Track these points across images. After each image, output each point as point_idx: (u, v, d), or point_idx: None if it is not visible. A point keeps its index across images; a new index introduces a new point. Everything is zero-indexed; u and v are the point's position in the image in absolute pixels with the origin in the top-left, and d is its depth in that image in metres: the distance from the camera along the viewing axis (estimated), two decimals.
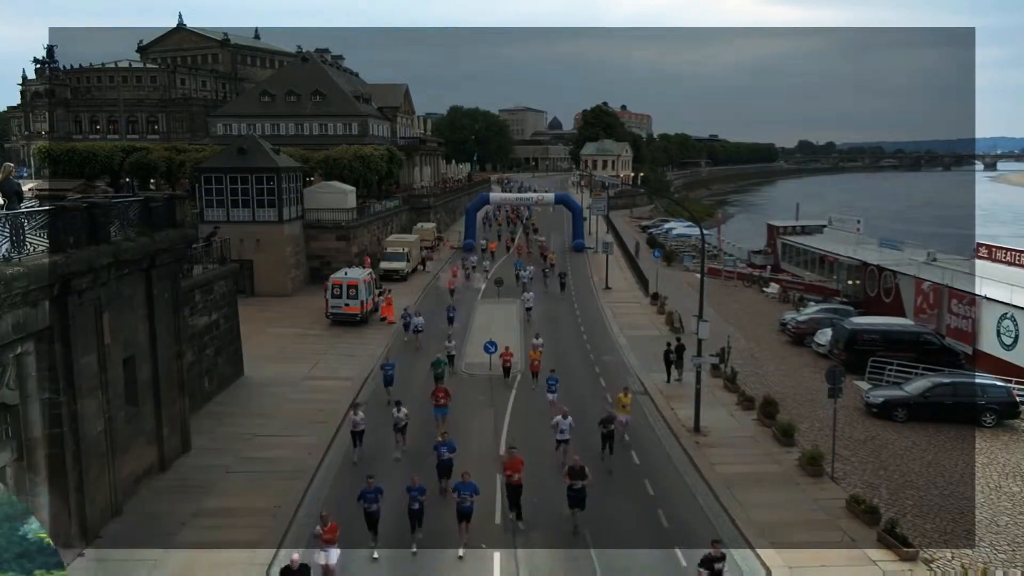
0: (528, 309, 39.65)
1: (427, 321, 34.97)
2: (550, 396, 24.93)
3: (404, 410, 21.76)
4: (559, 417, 21.06)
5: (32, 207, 16.49)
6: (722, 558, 14.16)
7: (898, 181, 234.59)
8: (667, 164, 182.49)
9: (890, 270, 43.98)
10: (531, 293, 41.38)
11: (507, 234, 73.18)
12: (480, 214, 74.62)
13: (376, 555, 16.14)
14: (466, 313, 40.60)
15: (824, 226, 63.55)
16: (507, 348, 29.28)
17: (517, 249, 62.46)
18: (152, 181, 56.59)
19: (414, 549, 16.36)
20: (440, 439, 19.55)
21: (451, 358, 29.81)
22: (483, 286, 48.16)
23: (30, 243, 15.08)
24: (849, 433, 24.46)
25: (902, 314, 39.90)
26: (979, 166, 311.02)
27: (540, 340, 29.93)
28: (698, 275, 30.95)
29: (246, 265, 41.21)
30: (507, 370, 29.04)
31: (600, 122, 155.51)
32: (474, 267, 52.21)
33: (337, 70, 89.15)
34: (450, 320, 36.79)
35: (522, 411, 25.79)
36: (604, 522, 17.75)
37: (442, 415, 23.03)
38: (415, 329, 34.19)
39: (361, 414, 21.66)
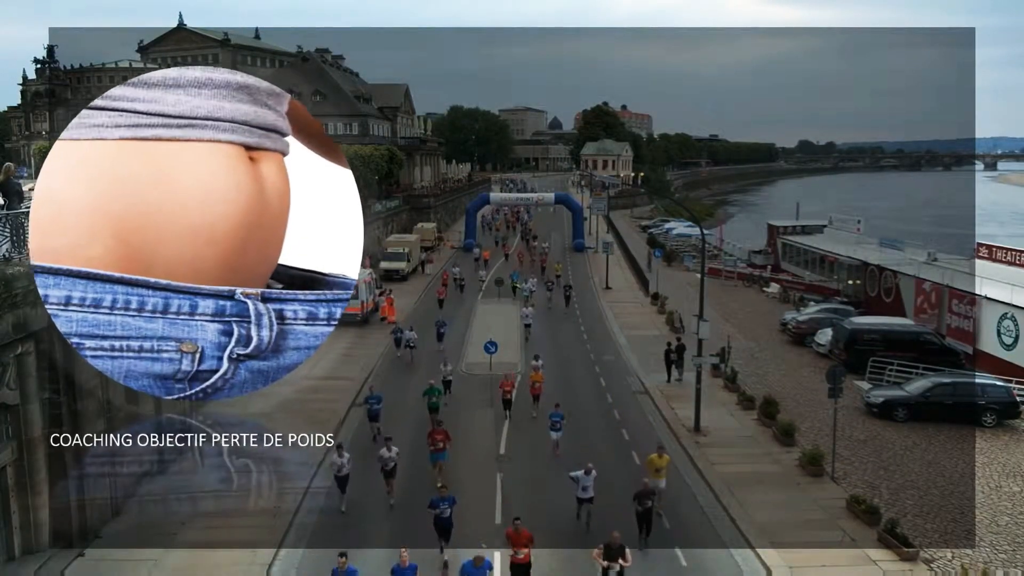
0: (527, 326, 35.94)
1: (420, 336, 32.77)
2: (553, 435, 21.62)
3: (395, 449, 18.80)
4: (580, 473, 17.53)
5: None
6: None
7: (898, 181, 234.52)
8: (667, 164, 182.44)
9: (890, 270, 43.98)
10: (530, 309, 37.64)
11: (503, 241, 67.11)
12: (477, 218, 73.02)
13: None
14: (464, 316, 40.57)
15: (824, 226, 63.55)
16: (507, 376, 25.87)
17: (518, 256, 57.64)
18: None
19: None
20: (438, 493, 16.51)
21: (447, 384, 26.35)
22: (479, 296, 46.56)
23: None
24: (849, 433, 24.46)
25: (902, 314, 39.90)
26: (979, 166, 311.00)
27: (540, 361, 26.82)
28: (698, 275, 30.97)
29: None
30: (508, 403, 24.95)
31: (600, 122, 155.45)
32: (462, 282, 47.11)
33: (337, 70, 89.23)
34: (440, 336, 33.82)
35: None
36: (604, 522, 17.73)
37: (440, 461, 19.83)
38: (407, 344, 31.86)
39: (346, 455, 18.58)
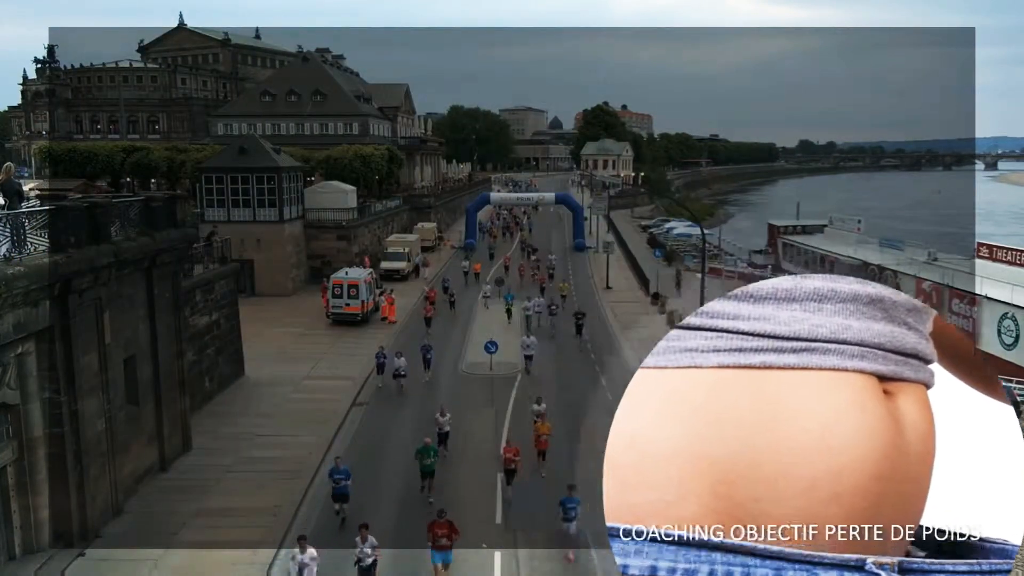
0: (528, 358, 29.87)
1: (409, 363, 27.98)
2: (568, 527, 16.40)
3: (371, 540, 14.55)
4: None
5: (33, 207, 16.52)
6: None
7: (898, 181, 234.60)
8: (668, 164, 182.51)
9: (891, 270, 44.00)
10: (533, 337, 31.30)
11: (494, 251, 61.47)
12: None
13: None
14: (463, 318, 40.56)
15: (824, 226, 63.55)
16: (508, 443, 20.75)
17: (519, 271, 51.19)
18: (153, 181, 56.69)
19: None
20: None
21: (445, 437, 21.29)
22: (480, 297, 44.40)
23: (31, 243, 15.12)
24: None
25: None
26: (980, 166, 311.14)
27: (543, 406, 21.85)
28: (699, 274, 30.99)
29: (247, 265, 41.25)
30: (512, 473, 19.12)
31: (600, 122, 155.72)
32: (453, 299, 42.19)
33: (337, 70, 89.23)
34: (427, 362, 28.78)
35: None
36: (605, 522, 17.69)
37: (443, 563, 14.98)
38: (396, 373, 27.05)
39: (311, 550, 14.18)
